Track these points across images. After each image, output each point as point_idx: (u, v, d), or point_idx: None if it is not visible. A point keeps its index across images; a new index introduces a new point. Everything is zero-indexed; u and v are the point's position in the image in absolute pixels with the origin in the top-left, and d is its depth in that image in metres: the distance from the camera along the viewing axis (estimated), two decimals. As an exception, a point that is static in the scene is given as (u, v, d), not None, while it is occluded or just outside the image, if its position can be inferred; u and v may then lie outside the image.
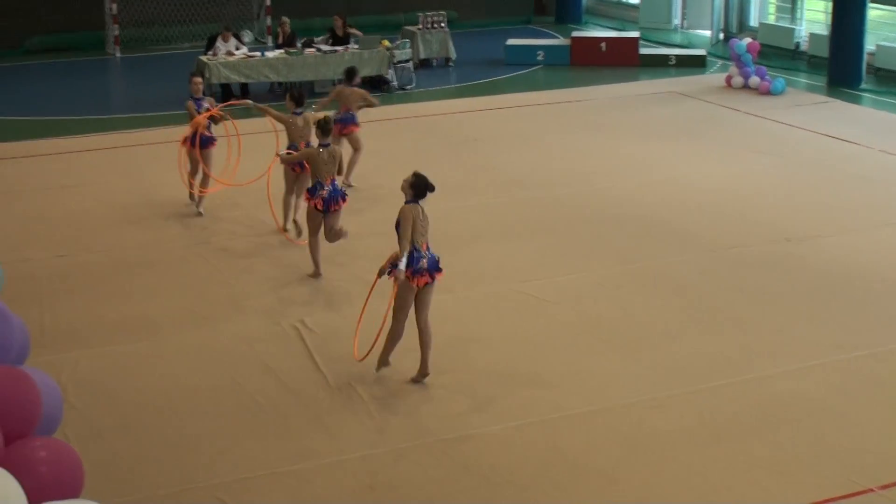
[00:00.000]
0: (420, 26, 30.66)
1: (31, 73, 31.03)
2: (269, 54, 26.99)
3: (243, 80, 26.51)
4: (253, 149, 18.93)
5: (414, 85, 28.13)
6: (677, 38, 35.26)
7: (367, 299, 12.74)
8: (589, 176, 19.85)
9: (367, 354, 12.27)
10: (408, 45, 29.33)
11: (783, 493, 10.11)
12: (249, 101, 18.42)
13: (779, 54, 30.77)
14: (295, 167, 16.42)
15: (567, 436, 11.11)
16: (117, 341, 13.46)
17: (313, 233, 15.26)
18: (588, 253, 16.13)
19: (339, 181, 15.37)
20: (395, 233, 11.99)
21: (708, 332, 13.47)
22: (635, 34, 32.59)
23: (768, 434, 11.08)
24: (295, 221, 16.73)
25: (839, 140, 22.13)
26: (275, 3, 34.07)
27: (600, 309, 14.21)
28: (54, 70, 31.38)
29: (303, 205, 15.83)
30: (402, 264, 11.75)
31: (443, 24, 30.78)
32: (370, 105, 19.38)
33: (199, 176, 17.71)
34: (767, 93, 26.22)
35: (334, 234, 15.25)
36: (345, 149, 17.80)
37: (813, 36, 30.55)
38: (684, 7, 36.48)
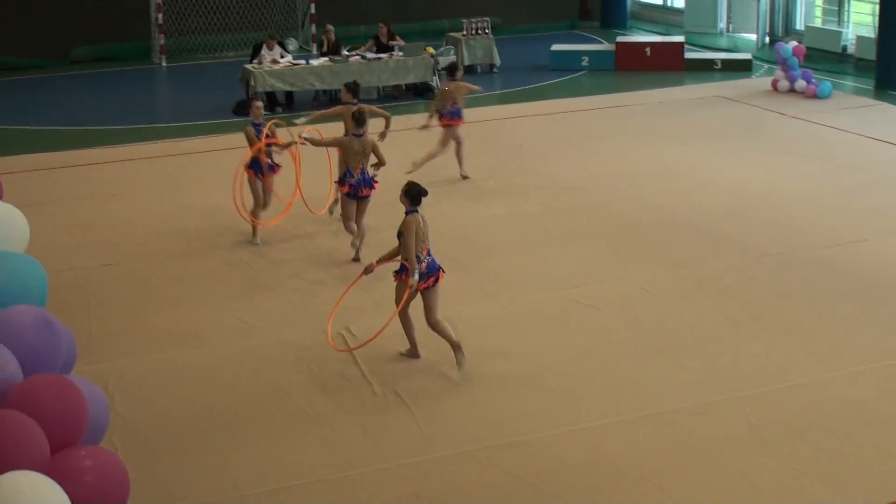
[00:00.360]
0: (464, 32, 30.62)
1: (77, 82, 31.18)
2: (314, 62, 27.02)
3: (288, 88, 26.57)
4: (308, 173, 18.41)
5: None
6: (723, 42, 35.10)
7: (345, 292, 13.51)
8: (634, 181, 19.78)
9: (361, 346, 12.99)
10: (452, 51, 29.36)
11: (832, 499, 10.03)
12: (298, 139, 16.72)
13: (825, 57, 30.57)
14: (347, 188, 16.11)
15: (613, 443, 11.06)
16: (164, 349, 13.50)
17: (348, 218, 15.96)
18: (633, 259, 16.07)
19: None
20: (398, 240, 12.60)
21: (754, 338, 13.38)
22: (680, 39, 32.47)
23: (817, 440, 10.99)
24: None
25: (886, 143, 21.97)
26: (319, 11, 34.15)
27: (645, 315, 14.15)
28: (100, 80, 31.53)
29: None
30: (416, 276, 12.34)
31: (487, 31, 30.73)
32: (474, 93, 20.78)
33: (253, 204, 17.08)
34: (814, 96, 26.06)
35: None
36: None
37: (860, 39, 30.34)
38: (730, 11, 36.31)
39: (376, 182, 16.06)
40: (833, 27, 31.85)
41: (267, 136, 16.83)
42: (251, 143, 16.79)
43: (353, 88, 17.39)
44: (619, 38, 32.86)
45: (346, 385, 12.37)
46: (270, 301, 14.90)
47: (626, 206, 18.36)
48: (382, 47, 27.83)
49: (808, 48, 28.11)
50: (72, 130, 25.15)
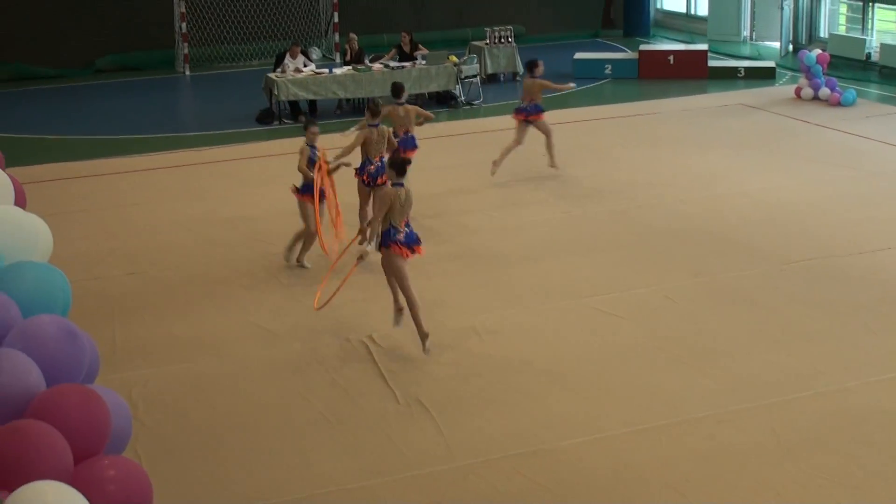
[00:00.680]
0: (487, 41, 30.64)
1: (102, 91, 31.33)
2: (337, 71, 27.07)
3: (311, 96, 26.64)
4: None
5: (481, 100, 28.17)
6: (746, 50, 35.07)
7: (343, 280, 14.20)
8: (658, 189, 19.76)
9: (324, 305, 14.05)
10: (475, 60, 29.38)
11: (857, 508, 10.02)
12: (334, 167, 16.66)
13: (849, 65, 30.51)
14: (364, 177, 16.78)
15: (637, 451, 11.03)
16: (188, 358, 13.54)
17: (364, 204, 16.75)
18: (657, 267, 16.04)
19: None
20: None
21: (779, 346, 13.34)
22: (704, 47, 32.47)
23: (841, 448, 10.94)
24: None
25: (911, 151, 21.94)
26: (342, 20, 34.25)
27: (669, 323, 14.12)
28: (124, 89, 31.66)
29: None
30: (370, 246, 13.51)
31: (510, 39, 30.73)
32: (555, 90, 21.40)
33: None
34: (838, 104, 26.01)
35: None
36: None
37: (884, 46, 30.27)
38: (753, 19, 36.27)
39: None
40: (857, 35, 31.77)
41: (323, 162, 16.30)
42: (307, 163, 16.04)
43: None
44: (643, 47, 32.90)
45: (369, 393, 12.37)
46: (293, 309, 14.91)
47: (649, 215, 18.34)
48: (405, 56, 27.89)
49: (831, 56, 28.04)
50: (95, 140, 25.25)
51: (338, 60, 32.34)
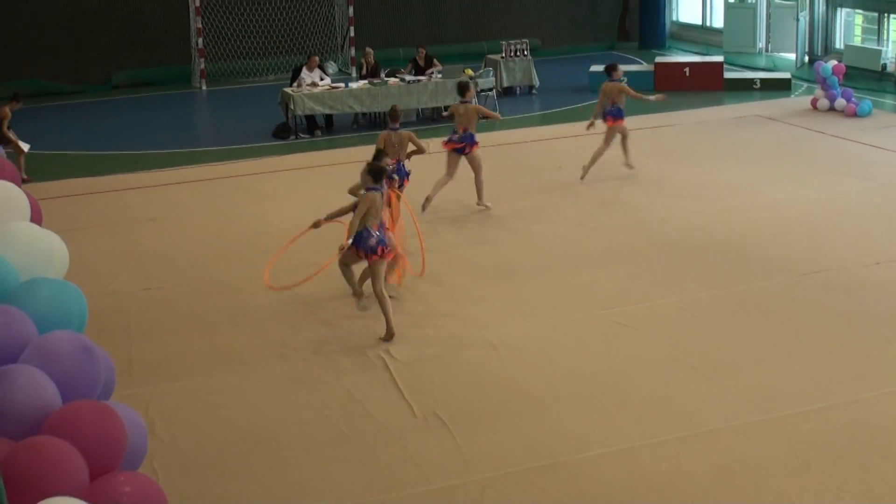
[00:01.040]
0: (503, 54, 30.68)
1: (119, 107, 31.43)
2: (353, 85, 27.08)
3: (327, 111, 26.65)
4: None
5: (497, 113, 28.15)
6: (762, 62, 35.04)
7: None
8: (673, 201, 19.75)
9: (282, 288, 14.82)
10: (491, 73, 29.40)
11: (875, 521, 9.99)
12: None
13: (865, 76, 30.48)
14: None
15: (653, 463, 11.01)
16: (204, 373, 13.55)
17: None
18: (673, 278, 16.02)
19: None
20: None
21: (795, 357, 13.31)
22: (719, 58, 32.44)
23: (859, 460, 10.91)
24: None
25: (928, 161, 21.89)
26: (358, 35, 34.32)
27: (686, 335, 14.10)
28: (141, 104, 31.78)
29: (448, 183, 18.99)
30: (350, 241, 13.79)
31: (525, 52, 30.75)
32: (635, 98, 21.97)
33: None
34: (854, 115, 25.97)
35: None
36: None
37: (900, 57, 30.29)
38: (768, 31, 36.25)
39: (409, 176, 17.46)
40: (872, 45, 31.75)
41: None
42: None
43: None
44: (658, 59, 32.85)
45: (386, 407, 12.37)
46: (309, 325, 14.92)
47: (666, 226, 18.33)
48: (420, 71, 27.92)
49: (847, 67, 28.03)
50: (112, 155, 25.32)
51: (354, 75, 32.37)
